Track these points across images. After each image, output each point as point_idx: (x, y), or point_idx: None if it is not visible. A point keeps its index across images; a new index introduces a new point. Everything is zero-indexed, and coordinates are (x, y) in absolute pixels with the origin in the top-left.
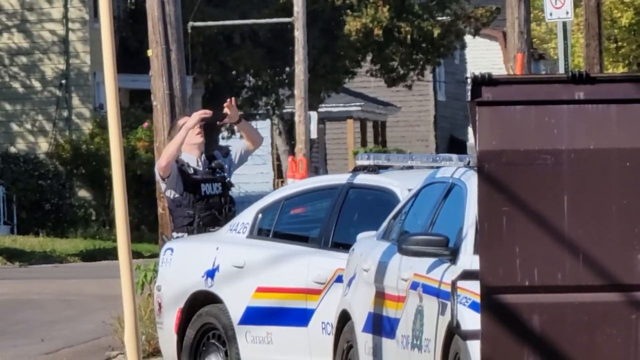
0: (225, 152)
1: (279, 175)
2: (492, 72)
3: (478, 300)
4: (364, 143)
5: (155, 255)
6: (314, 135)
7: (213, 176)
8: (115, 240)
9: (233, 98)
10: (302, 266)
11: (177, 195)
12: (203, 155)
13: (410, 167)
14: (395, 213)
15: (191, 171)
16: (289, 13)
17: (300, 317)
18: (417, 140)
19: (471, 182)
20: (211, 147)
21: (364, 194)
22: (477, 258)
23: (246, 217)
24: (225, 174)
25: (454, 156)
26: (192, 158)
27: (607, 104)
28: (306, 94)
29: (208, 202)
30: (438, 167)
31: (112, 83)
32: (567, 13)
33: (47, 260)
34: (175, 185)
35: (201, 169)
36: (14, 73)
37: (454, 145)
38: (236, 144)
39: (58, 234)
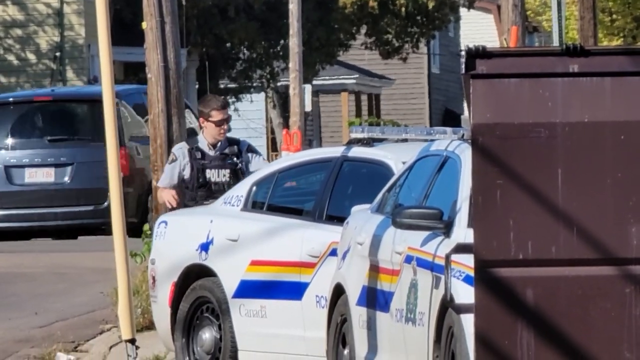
0: (249, 150)
1: (274, 148)
2: (486, 44)
3: (472, 273)
4: (358, 115)
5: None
6: (308, 108)
7: (223, 162)
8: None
9: None
10: (296, 239)
11: (186, 177)
12: (220, 142)
13: (405, 140)
14: (390, 186)
15: (199, 155)
16: None
17: (294, 291)
18: (412, 113)
19: (465, 155)
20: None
21: (359, 166)
22: (471, 231)
23: (240, 189)
24: (237, 161)
25: (448, 129)
26: (204, 142)
27: (602, 76)
28: (301, 66)
29: (210, 189)
30: (432, 140)
31: (106, 55)
32: None
33: None
34: (185, 167)
35: (212, 153)
36: (8, 45)
37: (449, 117)
38: (257, 163)
39: None
